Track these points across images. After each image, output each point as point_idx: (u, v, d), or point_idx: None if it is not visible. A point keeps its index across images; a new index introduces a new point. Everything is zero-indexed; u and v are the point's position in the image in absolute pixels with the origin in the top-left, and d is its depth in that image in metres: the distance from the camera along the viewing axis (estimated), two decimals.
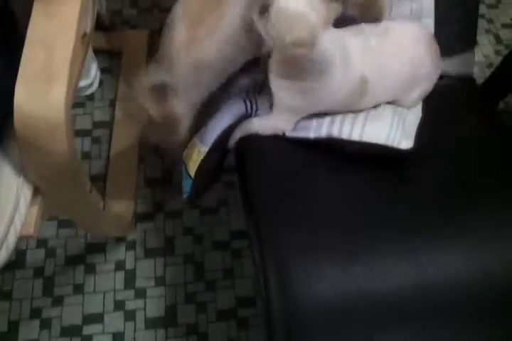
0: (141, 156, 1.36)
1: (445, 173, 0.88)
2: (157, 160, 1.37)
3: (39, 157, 0.76)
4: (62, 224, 1.26)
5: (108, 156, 1.33)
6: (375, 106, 0.90)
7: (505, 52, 1.62)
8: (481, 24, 1.73)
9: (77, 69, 0.90)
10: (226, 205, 1.31)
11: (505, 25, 1.72)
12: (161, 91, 0.86)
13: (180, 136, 0.92)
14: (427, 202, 0.84)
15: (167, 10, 1.59)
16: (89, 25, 1.08)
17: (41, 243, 1.24)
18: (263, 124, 0.88)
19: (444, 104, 0.98)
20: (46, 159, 0.75)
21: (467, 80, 1.07)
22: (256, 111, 0.89)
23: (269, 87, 0.85)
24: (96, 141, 1.38)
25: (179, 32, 0.84)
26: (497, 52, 1.65)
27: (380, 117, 0.88)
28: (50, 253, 1.24)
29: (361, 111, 0.88)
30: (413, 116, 0.92)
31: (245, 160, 0.90)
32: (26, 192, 0.80)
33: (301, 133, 0.87)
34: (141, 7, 1.64)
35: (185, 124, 0.91)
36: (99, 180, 1.30)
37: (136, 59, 1.46)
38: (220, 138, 0.88)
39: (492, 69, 1.51)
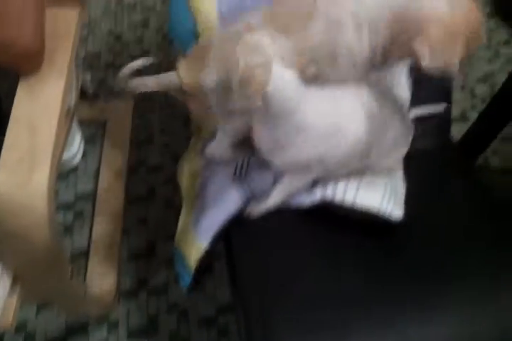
0: (125, 228, 1.33)
1: (433, 243, 0.88)
2: (141, 230, 1.34)
3: (19, 244, 0.73)
4: (41, 305, 1.19)
5: (91, 230, 1.30)
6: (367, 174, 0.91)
7: (481, 106, 1.66)
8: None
9: (61, 148, 0.89)
10: (212, 278, 1.27)
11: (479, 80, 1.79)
12: None
13: None
14: (415, 273, 0.84)
15: None
16: (73, 99, 1.09)
17: (20, 326, 1.17)
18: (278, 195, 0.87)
19: (424, 168, 0.99)
20: (27, 246, 0.72)
21: (443, 139, 1.10)
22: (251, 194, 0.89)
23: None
24: (79, 214, 1.34)
25: None
26: (473, 107, 1.69)
27: (373, 185, 0.89)
28: (30, 337, 1.17)
29: (354, 176, 0.89)
30: (401, 185, 0.94)
31: (232, 237, 0.90)
32: (5, 282, 0.76)
33: (295, 200, 0.87)
34: None
35: None
36: (82, 256, 1.26)
37: (121, 129, 1.46)
38: (219, 235, 0.88)
39: (468, 124, 1.56)
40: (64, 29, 0.87)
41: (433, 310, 0.79)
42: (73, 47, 0.86)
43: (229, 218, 0.87)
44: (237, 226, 0.88)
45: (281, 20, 0.82)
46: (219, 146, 0.99)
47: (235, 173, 0.93)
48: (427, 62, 0.70)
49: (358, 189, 0.87)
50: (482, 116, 1.50)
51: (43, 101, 0.75)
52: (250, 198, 0.88)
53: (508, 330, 0.80)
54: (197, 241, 0.89)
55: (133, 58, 1.67)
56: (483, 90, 1.74)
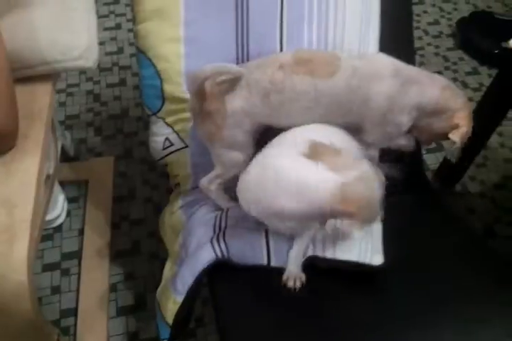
0: (113, 284, 1.35)
1: (414, 287, 0.92)
2: (129, 285, 1.36)
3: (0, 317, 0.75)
4: None
5: (78, 288, 1.32)
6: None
7: None
8: None
9: (41, 217, 0.93)
10: (203, 326, 1.29)
11: None
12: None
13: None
14: (396, 318, 0.87)
15: (131, 134, 1.71)
16: (52, 168, 1.14)
17: None
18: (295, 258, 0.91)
19: (401, 210, 1.03)
20: (7, 319, 0.75)
21: (418, 179, 1.15)
22: (227, 252, 0.92)
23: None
24: (65, 273, 1.37)
25: None
26: None
27: (348, 238, 0.93)
28: None
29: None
30: (377, 228, 0.98)
31: (217, 293, 0.93)
32: None
33: (284, 262, 0.91)
34: (105, 134, 1.72)
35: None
36: (70, 315, 1.28)
37: (102, 186, 1.51)
38: (194, 287, 0.91)
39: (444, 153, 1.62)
40: (38, 104, 0.93)
41: None
42: (47, 121, 0.92)
43: (202, 274, 0.90)
44: (221, 275, 0.92)
45: (311, 65, 0.92)
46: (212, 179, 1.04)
47: (214, 231, 0.97)
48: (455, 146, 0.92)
49: (334, 245, 0.92)
50: None
51: (19, 178, 0.80)
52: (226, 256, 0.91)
53: None
54: (173, 295, 0.93)
55: (112, 117, 1.77)
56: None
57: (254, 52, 1.06)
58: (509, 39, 1.22)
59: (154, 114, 1.13)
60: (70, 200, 1.51)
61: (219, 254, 0.91)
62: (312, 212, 0.79)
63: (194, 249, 0.96)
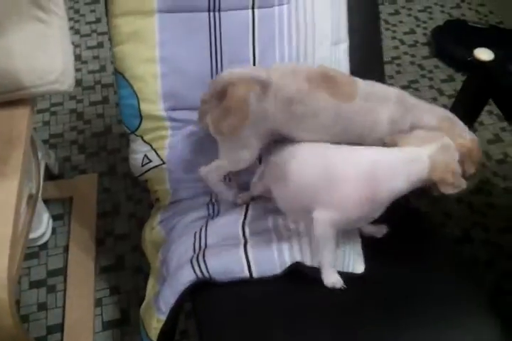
0: (98, 299, 1.38)
1: (392, 293, 0.95)
2: (114, 300, 1.39)
3: None
4: None
5: (64, 304, 1.34)
6: None
7: None
8: None
9: (23, 238, 0.96)
10: (187, 338, 1.31)
11: None
12: None
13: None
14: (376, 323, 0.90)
15: (114, 151, 1.74)
16: (34, 187, 1.17)
17: None
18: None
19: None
20: None
21: None
22: (207, 272, 0.93)
23: None
24: (51, 289, 1.39)
25: None
26: None
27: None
28: None
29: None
30: (357, 240, 1.03)
31: (199, 309, 0.94)
32: None
33: (267, 273, 0.94)
34: (89, 151, 1.76)
35: None
36: (57, 331, 1.30)
37: (87, 203, 1.54)
38: (176, 307, 0.94)
39: None
40: (16, 128, 0.96)
41: None
42: (26, 145, 0.95)
43: (183, 294, 0.92)
44: (203, 291, 0.93)
45: (335, 85, 0.96)
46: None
47: (193, 250, 1.00)
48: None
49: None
50: None
51: None
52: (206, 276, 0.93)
53: None
54: (156, 314, 0.95)
55: (95, 134, 1.80)
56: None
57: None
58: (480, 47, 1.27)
59: (133, 132, 1.17)
60: (55, 218, 1.54)
61: (199, 274, 0.93)
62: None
63: (174, 267, 0.98)
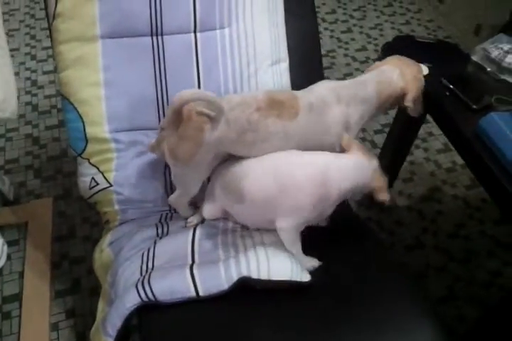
0: (54, 323, 1.37)
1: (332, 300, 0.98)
2: (70, 323, 1.38)
3: None
4: None
5: (20, 330, 1.33)
6: (270, 245, 1.03)
7: None
8: None
9: None
10: None
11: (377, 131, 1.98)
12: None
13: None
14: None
15: (70, 174, 1.74)
16: None
17: None
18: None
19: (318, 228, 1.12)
20: None
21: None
22: (152, 295, 0.94)
23: None
24: (6, 316, 1.38)
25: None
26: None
27: (278, 254, 1.01)
28: None
29: (259, 249, 1.01)
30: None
31: (146, 335, 0.94)
32: None
33: (214, 289, 0.95)
34: (45, 175, 1.76)
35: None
36: None
37: (42, 227, 1.54)
38: (122, 331, 0.94)
39: None
40: None
41: None
42: None
43: (129, 317, 0.93)
44: (150, 316, 0.94)
45: (281, 108, 1.01)
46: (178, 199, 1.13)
47: (140, 273, 1.00)
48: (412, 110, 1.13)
49: (268, 262, 0.98)
50: (379, 161, 1.67)
51: None
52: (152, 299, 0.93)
53: None
54: (104, 337, 0.95)
55: (51, 158, 1.80)
56: (381, 140, 1.90)
57: (173, 93, 1.10)
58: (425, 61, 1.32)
59: (79, 155, 1.18)
60: (10, 244, 1.53)
61: (144, 298, 0.93)
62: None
63: (121, 290, 0.99)
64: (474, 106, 1.16)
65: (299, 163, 1.00)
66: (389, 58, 1.18)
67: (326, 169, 0.97)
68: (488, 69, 1.27)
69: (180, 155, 1.01)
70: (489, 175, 1.05)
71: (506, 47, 1.27)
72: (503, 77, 1.25)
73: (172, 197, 1.14)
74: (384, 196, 1.01)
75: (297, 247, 1.02)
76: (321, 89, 1.08)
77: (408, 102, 1.11)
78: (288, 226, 1.00)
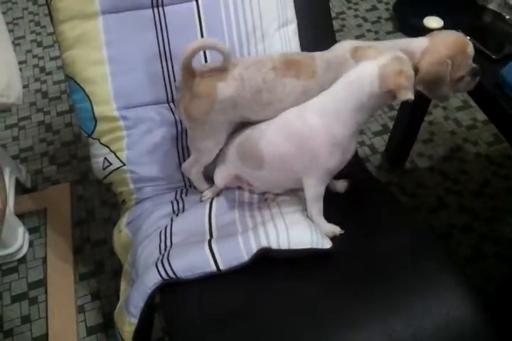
0: (80, 306, 1.38)
1: (356, 265, 0.95)
2: (96, 305, 1.39)
3: None
4: None
5: (47, 315, 1.35)
6: (288, 214, 1.01)
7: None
8: None
9: None
10: None
11: None
12: None
13: None
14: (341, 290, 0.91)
15: (85, 158, 1.73)
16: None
17: None
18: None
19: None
20: None
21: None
22: (173, 272, 0.93)
23: None
24: (33, 302, 1.39)
25: None
26: (391, 118, 1.80)
27: (297, 223, 0.99)
28: None
29: (278, 219, 0.99)
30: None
31: (169, 314, 0.93)
32: None
33: (234, 262, 0.93)
34: (60, 161, 1.75)
35: None
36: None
37: (61, 212, 1.54)
38: (145, 310, 0.93)
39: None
40: None
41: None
42: None
43: (150, 297, 0.92)
44: (172, 295, 0.93)
45: (298, 68, 0.98)
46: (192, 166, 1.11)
47: (159, 251, 0.99)
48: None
49: (287, 232, 0.96)
50: (397, 122, 1.62)
51: None
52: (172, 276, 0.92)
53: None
54: (127, 318, 0.95)
55: (65, 144, 1.80)
56: (382, 143, 1.82)
57: (178, 65, 1.07)
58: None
59: (89, 135, 1.16)
60: (32, 231, 1.54)
61: (164, 276, 0.92)
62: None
63: (142, 270, 0.98)
64: (494, 57, 1.10)
65: (300, 113, 0.96)
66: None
67: (322, 111, 0.93)
68: (507, 16, 1.20)
69: (193, 113, 0.99)
70: None
71: None
72: None
73: (186, 163, 1.12)
74: (406, 94, 0.84)
75: (320, 205, 1.00)
76: (339, 47, 1.04)
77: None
78: (314, 181, 0.98)
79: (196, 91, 0.97)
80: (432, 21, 1.23)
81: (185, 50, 0.93)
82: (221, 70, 0.97)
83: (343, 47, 1.04)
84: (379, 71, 0.87)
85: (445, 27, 1.20)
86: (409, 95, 0.85)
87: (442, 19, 1.22)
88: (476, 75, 1.00)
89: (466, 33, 1.15)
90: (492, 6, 1.23)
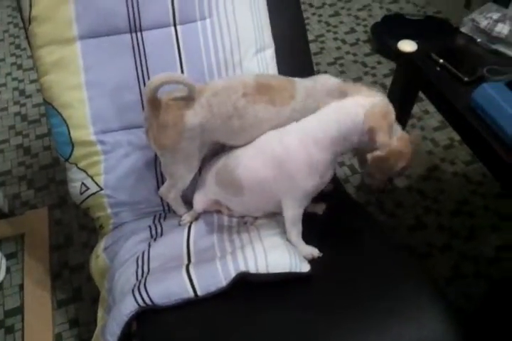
0: (58, 334, 1.35)
1: (334, 287, 0.95)
2: (74, 332, 1.36)
3: None
4: None
5: None
6: (267, 238, 1.01)
7: None
8: None
9: None
10: None
11: None
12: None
13: None
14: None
15: (63, 182, 1.71)
16: None
17: None
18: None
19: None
20: None
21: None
22: (149, 299, 0.91)
23: None
24: (9, 330, 1.36)
25: None
26: None
27: (275, 246, 0.98)
28: None
29: (256, 243, 0.99)
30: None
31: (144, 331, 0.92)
32: None
33: (212, 288, 0.92)
34: (38, 185, 1.74)
35: None
36: None
37: (39, 238, 1.51)
38: (121, 338, 0.91)
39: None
40: None
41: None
42: None
43: (127, 325, 0.91)
44: (149, 321, 0.91)
45: (272, 93, 0.98)
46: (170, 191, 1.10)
47: (136, 278, 0.98)
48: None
49: (266, 256, 0.95)
50: None
51: None
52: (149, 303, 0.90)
53: None
54: None
55: (44, 167, 1.78)
56: None
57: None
58: (411, 38, 1.28)
59: (66, 160, 1.16)
60: (9, 257, 1.51)
61: (141, 303, 0.91)
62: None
63: (118, 297, 0.96)
64: (466, 79, 1.12)
65: (279, 137, 0.97)
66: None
67: (302, 132, 0.94)
68: (479, 40, 1.23)
69: (163, 142, 0.99)
70: (486, 149, 1.02)
71: (495, 15, 1.23)
72: (494, 47, 1.21)
73: (163, 188, 1.11)
74: (384, 136, 0.86)
75: (299, 228, 1.00)
76: (321, 77, 1.06)
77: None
78: (292, 203, 0.98)
79: (164, 121, 0.97)
80: (406, 45, 1.25)
81: (148, 84, 0.94)
82: (187, 99, 0.97)
83: (325, 78, 1.05)
84: (369, 108, 0.89)
85: (418, 50, 1.22)
86: (386, 139, 0.87)
87: (416, 42, 1.24)
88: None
89: (440, 56, 1.18)
90: (464, 30, 1.26)
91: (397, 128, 0.95)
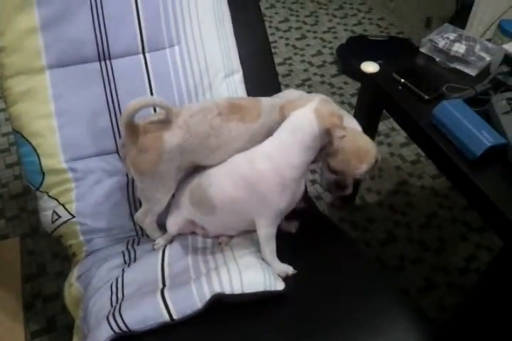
0: None
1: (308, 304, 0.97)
2: None
3: None
4: None
5: None
6: (241, 257, 1.02)
7: None
8: None
9: None
10: None
11: None
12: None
13: None
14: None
15: (35, 211, 1.69)
16: None
17: None
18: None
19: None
20: None
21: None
22: (125, 325, 0.91)
23: None
24: None
25: None
26: None
27: (250, 266, 0.99)
28: None
29: (231, 263, 1.00)
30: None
31: None
32: None
33: (188, 311, 0.92)
34: (9, 215, 1.71)
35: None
36: None
37: (10, 268, 1.48)
38: None
39: None
40: None
41: None
42: None
43: None
44: None
45: (243, 112, 1.01)
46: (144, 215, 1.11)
47: (111, 304, 0.97)
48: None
49: (240, 276, 0.96)
50: None
51: None
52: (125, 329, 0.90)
53: None
54: None
55: (14, 197, 1.75)
56: None
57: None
58: (375, 59, 1.33)
59: (37, 189, 1.15)
60: None
61: (116, 330, 0.90)
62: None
63: (94, 324, 0.95)
64: (427, 97, 1.17)
65: (248, 158, 0.99)
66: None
67: (269, 154, 0.96)
68: (437, 59, 1.29)
69: (143, 167, 1.00)
70: (449, 164, 1.06)
71: (452, 36, 1.30)
72: (452, 65, 1.27)
73: (139, 213, 1.12)
74: (340, 131, 0.92)
75: (271, 247, 1.02)
76: (286, 92, 1.12)
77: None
78: (265, 222, 0.99)
79: (142, 145, 0.98)
80: (368, 66, 1.30)
81: (126, 109, 0.94)
82: (164, 122, 0.98)
83: (288, 92, 1.10)
84: (314, 114, 0.93)
85: (380, 71, 1.27)
86: (343, 132, 0.93)
87: (379, 63, 1.29)
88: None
89: (401, 76, 1.23)
90: (424, 50, 1.32)
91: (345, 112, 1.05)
